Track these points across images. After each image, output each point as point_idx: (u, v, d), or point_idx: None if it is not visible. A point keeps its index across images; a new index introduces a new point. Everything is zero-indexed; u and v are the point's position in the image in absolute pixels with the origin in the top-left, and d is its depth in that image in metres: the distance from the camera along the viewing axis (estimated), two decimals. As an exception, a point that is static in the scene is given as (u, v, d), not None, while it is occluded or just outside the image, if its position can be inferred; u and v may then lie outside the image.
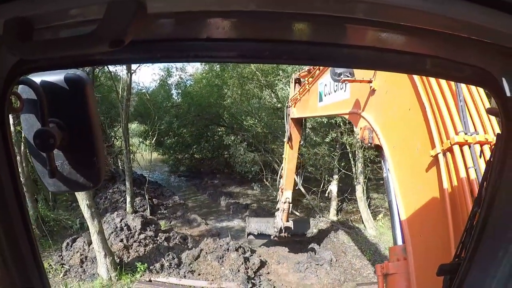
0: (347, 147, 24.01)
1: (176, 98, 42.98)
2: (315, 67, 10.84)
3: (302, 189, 25.32)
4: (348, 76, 6.66)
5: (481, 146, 4.41)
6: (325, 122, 23.26)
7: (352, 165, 24.56)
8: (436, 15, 1.49)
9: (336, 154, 24.87)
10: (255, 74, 28.47)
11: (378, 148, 6.28)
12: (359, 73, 6.64)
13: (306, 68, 12.72)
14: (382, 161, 6.19)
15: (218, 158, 42.08)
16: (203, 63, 35.39)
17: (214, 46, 1.79)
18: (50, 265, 16.87)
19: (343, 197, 25.85)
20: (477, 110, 4.73)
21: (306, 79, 11.98)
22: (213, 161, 42.49)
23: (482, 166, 4.18)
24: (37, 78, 1.91)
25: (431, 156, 4.69)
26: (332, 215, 24.56)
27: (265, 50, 1.82)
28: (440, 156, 4.53)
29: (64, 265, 16.98)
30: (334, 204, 24.81)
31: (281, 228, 17.61)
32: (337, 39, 1.80)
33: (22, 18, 1.36)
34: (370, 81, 6.40)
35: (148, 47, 1.78)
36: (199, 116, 37.15)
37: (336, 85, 8.55)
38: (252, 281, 16.33)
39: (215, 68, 36.05)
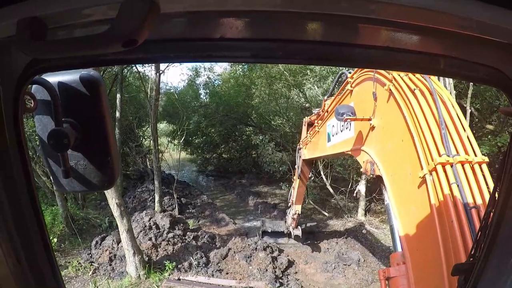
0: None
1: (204, 97, 43.40)
2: (323, 110, 11.68)
3: (330, 189, 25.33)
4: (350, 115, 7.36)
5: (462, 165, 5.06)
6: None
7: (381, 165, 24.26)
8: (450, 14, 1.48)
9: (364, 153, 24.61)
10: (283, 73, 28.48)
11: (379, 179, 6.75)
12: (360, 112, 7.38)
13: (315, 111, 13.42)
14: (384, 190, 6.61)
15: (246, 158, 42.20)
16: (220, 62, 35.64)
17: (227, 45, 1.79)
18: (80, 263, 17.12)
19: (371, 197, 25.57)
20: (459, 135, 5.46)
21: (316, 121, 12.76)
22: (241, 160, 42.62)
23: (464, 183, 4.85)
24: (51, 78, 1.94)
25: (420, 177, 5.27)
26: (360, 215, 24.34)
27: (278, 50, 1.82)
28: (427, 177, 5.10)
29: (93, 263, 17.19)
30: (362, 204, 24.55)
31: (290, 233, 19.40)
32: (350, 39, 1.80)
33: (35, 17, 1.36)
34: (369, 119, 7.05)
35: (161, 46, 1.79)
36: (227, 115, 37.37)
37: (342, 125, 9.13)
38: (280, 280, 16.24)
39: (242, 68, 36.16)
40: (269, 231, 20.00)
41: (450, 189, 4.76)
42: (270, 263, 16.99)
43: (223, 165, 43.60)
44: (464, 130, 5.51)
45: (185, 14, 1.56)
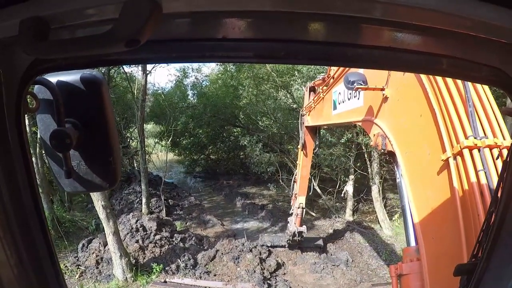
0: (363, 148, 23.99)
1: (192, 98, 43.22)
2: (329, 75, 10.94)
3: (318, 190, 25.40)
4: (361, 84, 6.74)
5: (490, 150, 4.52)
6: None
7: (368, 166, 24.48)
8: (452, 15, 1.48)
9: (351, 154, 24.79)
10: (271, 74, 28.55)
11: (391, 154, 6.32)
12: (372, 81, 6.75)
13: (321, 76, 12.71)
14: (395, 167, 6.22)
15: (233, 159, 42.17)
16: (218, 63, 35.62)
17: (230, 46, 1.81)
18: (66, 266, 16.96)
19: (359, 197, 25.83)
20: (486, 114, 4.87)
21: (321, 87, 11.95)
22: (229, 161, 42.58)
23: (492, 170, 4.34)
24: (53, 78, 1.93)
25: (442, 160, 4.77)
26: (348, 216, 24.53)
27: (281, 50, 1.83)
28: (451, 160, 4.62)
29: (80, 266, 17.10)
30: (350, 205, 24.78)
31: (294, 232, 17.56)
32: (353, 39, 1.81)
33: (38, 17, 1.36)
34: (382, 89, 6.46)
35: (164, 47, 1.79)
36: (214, 116, 37.26)
37: (350, 93, 8.60)
38: (268, 281, 16.27)
39: (230, 69, 36.16)
40: (269, 245, 19.46)
41: (477, 177, 4.33)
42: (258, 264, 17.01)
43: (211, 166, 43.51)
44: (492, 109, 4.94)
45: (187, 14, 1.57)
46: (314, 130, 14.67)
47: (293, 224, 17.26)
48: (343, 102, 9.34)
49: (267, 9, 1.54)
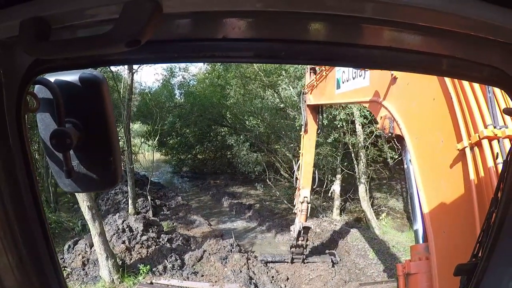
0: (350, 147, 24.07)
1: (179, 98, 43.14)
2: None
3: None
4: None
5: (510, 140, 4.19)
6: (325, 123, 22.98)
7: (355, 165, 24.61)
8: (453, 15, 1.49)
9: (338, 154, 24.91)
10: (258, 74, 28.52)
11: (399, 139, 6.09)
12: None
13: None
14: (403, 152, 6.04)
15: (221, 159, 42.27)
16: (215, 63, 35.58)
17: (230, 46, 1.81)
18: (52, 267, 16.76)
19: (346, 196, 25.94)
20: (506, 102, 4.41)
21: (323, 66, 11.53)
22: (216, 161, 42.70)
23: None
24: (53, 78, 1.93)
25: (458, 149, 4.46)
26: (335, 215, 24.65)
27: (281, 50, 1.83)
28: (467, 150, 4.30)
29: (66, 268, 16.89)
30: (337, 204, 24.93)
31: (299, 231, 16.16)
32: (353, 39, 1.82)
33: (39, 18, 1.37)
34: None
35: (164, 47, 1.79)
36: (202, 116, 37.27)
37: (355, 72, 8.41)
38: (254, 282, 16.24)
39: (217, 68, 36.11)
40: (270, 259, 18.32)
41: (496, 169, 3.99)
42: (244, 264, 16.99)
43: (198, 166, 43.54)
44: None
45: (187, 14, 1.58)
46: (316, 109, 14.34)
47: (297, 222, 16.14)
48: (347, 81, 9.14)
49: (267, 9, 1.54)
